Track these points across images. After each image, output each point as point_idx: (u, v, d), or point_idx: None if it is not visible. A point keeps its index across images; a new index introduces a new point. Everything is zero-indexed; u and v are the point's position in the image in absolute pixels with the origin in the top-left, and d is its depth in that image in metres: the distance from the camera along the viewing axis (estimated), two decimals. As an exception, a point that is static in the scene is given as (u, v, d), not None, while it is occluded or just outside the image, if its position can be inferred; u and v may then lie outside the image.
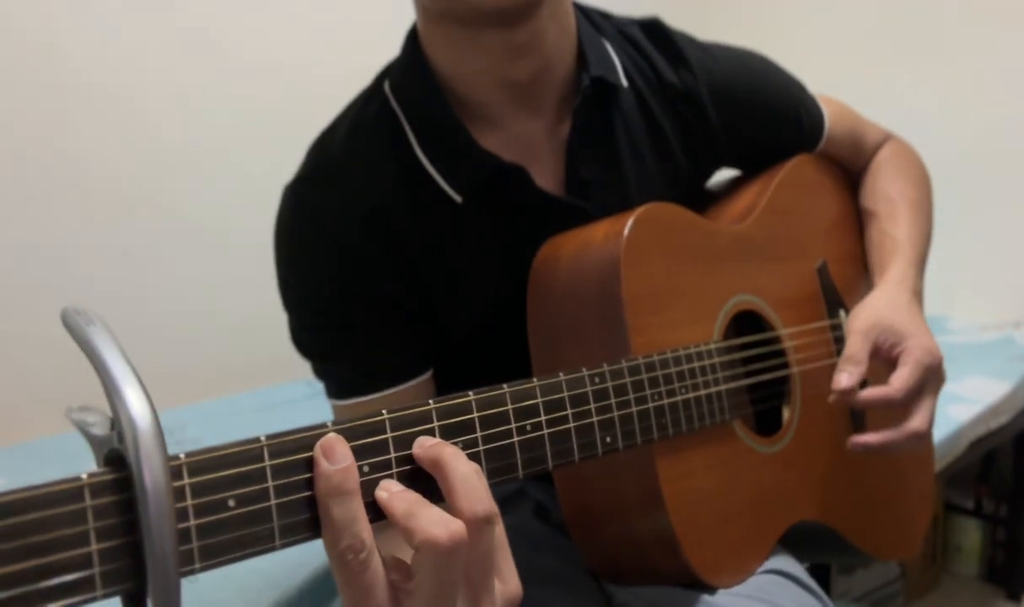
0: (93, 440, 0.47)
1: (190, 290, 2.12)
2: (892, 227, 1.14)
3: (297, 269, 0.94)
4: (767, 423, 1.02)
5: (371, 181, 0.92)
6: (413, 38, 0.96)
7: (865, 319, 1.00)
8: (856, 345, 0.98)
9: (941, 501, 2.39)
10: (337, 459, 0.54)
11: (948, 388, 1.90)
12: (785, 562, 0.96)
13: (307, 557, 1.31)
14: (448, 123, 0.92)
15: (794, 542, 1.01)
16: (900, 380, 0.95)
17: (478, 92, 0.94)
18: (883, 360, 0.99)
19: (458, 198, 0.93)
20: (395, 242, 0.92)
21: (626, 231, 0.88)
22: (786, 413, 1.02)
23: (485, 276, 0.95)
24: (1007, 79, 2.36)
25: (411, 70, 0.95)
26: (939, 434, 1.77)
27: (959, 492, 2.42)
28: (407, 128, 0.94)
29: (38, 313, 1.94)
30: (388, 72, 0.99)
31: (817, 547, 1.13)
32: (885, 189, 1.19)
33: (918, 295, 1.07)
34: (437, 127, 0.93)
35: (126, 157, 2.01)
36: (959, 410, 1.89)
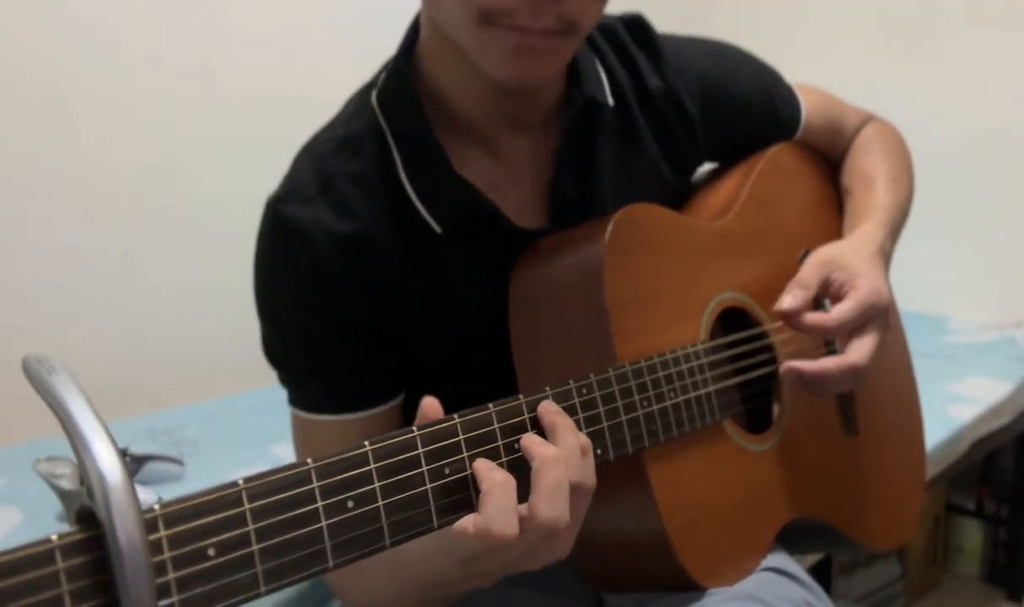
0: (63, 495, 0.46)
1: (189, 290, 2.12)
2: (866, 197, 1.14)
3: (274, 283, 0.93)
4: (758, 420, 1.01)
5: (354, 202, 0.91)
6: (407, 48, 0.96)
7: (823, 253, 1.00)
8: (807, 272, 0.98)
9: (942, 502, 2.39)
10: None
11: (949, 388, 1.94)
12: (780, 559, 0.96)
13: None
14: (431, 149, 0.91)
15: (789, 538, 1.01)
16: (838, 311, 0.94)
17: (469, 108, 0.94)
18: (833, 296, 0.98)
19: (438, 228, 0.92)
20: (374, 266, 0.91)
21: (607, 234, 0.87)
22: (776, 409, 1.01)
23: (464, 305, 0.95)
24: (1007, 79, 2.34)
25: (400, 85, 0.94)
26: (940, 435, 1.77)
27: (960, 493, 2.42)
28: (393, 149, 0.93)
29: (38, 313, 1.94)
30: (375, 83, 0.98)
31: (812, 541, 1.13)
32: (862, 166, 1.19)
33: (884, 254, 1.05)
34: (420, 151, 0.92)
35: (126, 157, 2.01)
36: (960, 410, 1.88)
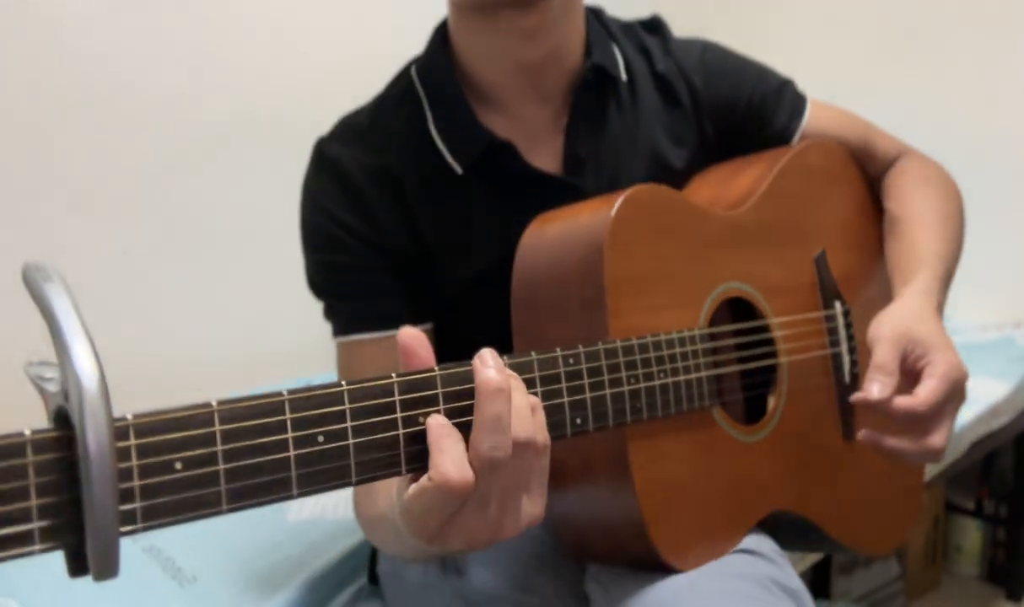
0: (45, 395, 0.47)
1: (189, 290, 2.12)
2: (922, 238, 1.12)
3: (314, 211, 1.06)
4: (758, 412, 1.02)
5: (387, 144, 1.06)
6: (442, 30, 1.10)
7: (893, 328, 0.97)
8: (886, 353, 0.95)
9: (942, 502, 2.38)
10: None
11: (948, 388, 1.92)
12: (750, 540, 0.96)
13: (308, 557, 1.32)
14: (458, 102, 1.05)
15: (775, 530, 1.01)
16: (927, 392, 0.92)
17: (492, 74, 1.06)
18: (907, 371, 0.96)
19: (459, 169, 1.04)
20: (402, 199, 1.04)
21: (613, 212, 0.88)
22: (771, 402, 1.02)
23: (480, 243, 1.04)
24: (1008, 80, 2.35)
25: (435, 57, 1.09)
26: (939, 435, 1.76)
27: (960, 492, 2.41)
28: (425, 105, 1.07)
29: (37, 313, 1.95)
30: (416, 59, 1.12)
31: (795, 537, 1.13)
32: (915, 197, 1.18)
33: (941, 310, 1.05)
34: (449, 106, 1.05)
35: (126, 157, 2.02)
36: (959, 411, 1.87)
